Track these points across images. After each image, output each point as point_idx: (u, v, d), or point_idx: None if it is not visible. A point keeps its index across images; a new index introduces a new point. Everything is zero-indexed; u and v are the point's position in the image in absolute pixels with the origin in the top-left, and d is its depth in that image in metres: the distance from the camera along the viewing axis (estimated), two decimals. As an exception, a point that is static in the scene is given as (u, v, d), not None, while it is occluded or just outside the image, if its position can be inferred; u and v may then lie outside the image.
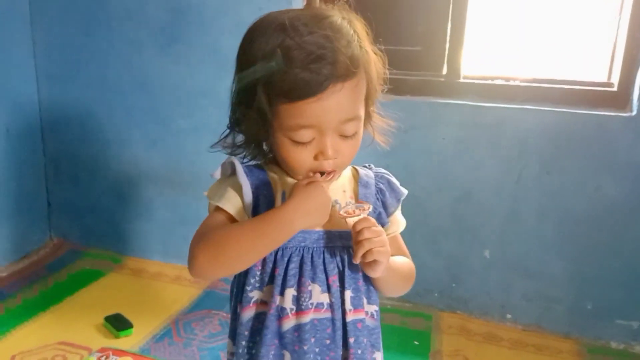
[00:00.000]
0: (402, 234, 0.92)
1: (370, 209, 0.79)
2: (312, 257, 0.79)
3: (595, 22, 1.86)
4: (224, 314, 1.86)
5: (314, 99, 0.72)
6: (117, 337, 1.70)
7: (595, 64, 1.86)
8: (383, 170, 0.91)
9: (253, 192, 0.80)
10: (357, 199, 0.84)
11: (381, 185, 0.88)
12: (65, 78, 2.20)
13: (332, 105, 0.73)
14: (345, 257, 0.81)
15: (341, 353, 0.81)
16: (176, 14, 2.01)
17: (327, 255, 0.80)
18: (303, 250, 0.80)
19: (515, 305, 1.88)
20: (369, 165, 0.92)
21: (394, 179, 0.90)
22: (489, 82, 1.86)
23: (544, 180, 1.79)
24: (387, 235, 0.81)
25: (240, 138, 0.84)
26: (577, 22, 1.88)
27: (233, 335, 0.84)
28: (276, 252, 0.79)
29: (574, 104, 1.77)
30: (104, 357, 1.60)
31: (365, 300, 0.83)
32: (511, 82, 1.85)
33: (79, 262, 2.21)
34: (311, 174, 0.78)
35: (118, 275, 2.12)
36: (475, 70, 1.89)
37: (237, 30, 2.24)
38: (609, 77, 1.79)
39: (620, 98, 1.74)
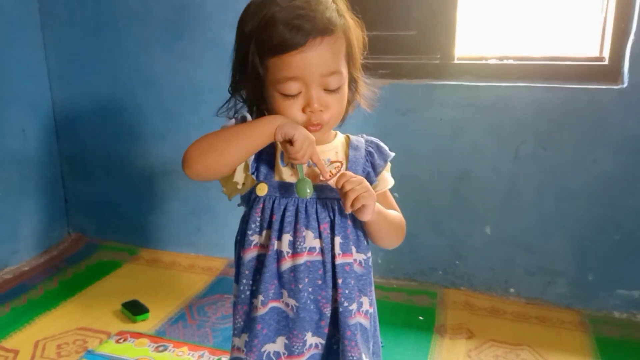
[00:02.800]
0: (405, 212, 1.02)
1: (343, 165, 0.90)
2: (306, 206, 0.89)
3: (587, -1, 1.89)
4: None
5: (297, 52, 0.82)
6: (134, 321, 1.78)
7: (587, 39, 1.89)
8: (374, 138, 1.01)
9: None
10: (347, 160, 0.94)
11: (370, 149, 0.98)
12: (77, 78, 2.29)
13: (314, 57, 0.83)
14: (336, 207, 0.91)
15: (331, 293, 0.91)
16: (179, 11, 2.08)
17: (319, 206, 0.90)
18: (298, 200, 0.90)
19: (518, 279, 1.93)
20: (362, 135, 1.01)
21: (382, 144, 1.00)
22: (483, 62, 1.91)
23: (540, 156, 1.83)
24: (376, 192, 0.91)
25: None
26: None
27: (237, 278, 0.94)
28: (273, 201, 0.90)
29: (567, 80, 1.80)
30: (122, 339, 1.68)
31: (354, 248, 0.92)
32: (505, 61, 1.89)
33: (96, 254, 2.30)
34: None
35: (134, 265, 2.21)
36: (469, 51, 1.93)
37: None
38: (601, 51, 1.82)
39: (611, 71, 1.77)
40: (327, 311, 0.91)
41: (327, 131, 0.94)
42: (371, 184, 0.94)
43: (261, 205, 0.90)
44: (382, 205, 0.95)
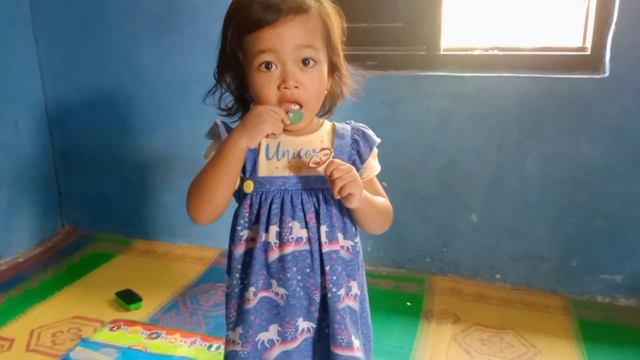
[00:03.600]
0: (393, 201, 1.05)
1: (332, 153, 0.91)
2: (291, 198, 0.93)
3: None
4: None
5: (269, 27, 0.86)
6: (127, 310, 1.82)
7: (571, 29, 1.92)
8: (361, 125, 1.03)
9: None
10: (333, 149, 0.96)
11: (356, 137, 1.00)
12: (68, 73, 2.32)
13: (286, 32, 0.86)
14: (321, 197, 0.94)
15: (320, 280, 0.94)
16: (167, 5, 2.11)
17: (304, 197, 0.93)
18: (283, 192, 0.93)
19: (504, 265, 1.97)
20: (349, 122, 1.03)
21: (369, 131, 1.02)
22: (469, 53, 1.94)
23: (524, 144, 1.87)
24: (362, 179, 0.94)
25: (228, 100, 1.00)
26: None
27: (229, 272, 0.97)
28: (260, 195, 0.93)
29: (550, 69, 1.84)
30: (116, 327, 1.71)
31: (340, 235, 0.96)
32: (489, 52, 1.93)
33: (90, 246, 2.33)
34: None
35: (127, 256, 2.25)
36: (455, 43, 1.96)
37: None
38: (584, 41, 1.86)
39: (593, 61, 1.80)
40: (317, 297, 0.94)
41: (310, 117, 0.94)
42: (358, 171, 0.95)
43: (249, 201, 0.93)
44: (369, 192, 0.97)
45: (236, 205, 0.98)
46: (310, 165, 0.90)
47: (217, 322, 1.74)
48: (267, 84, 0.88)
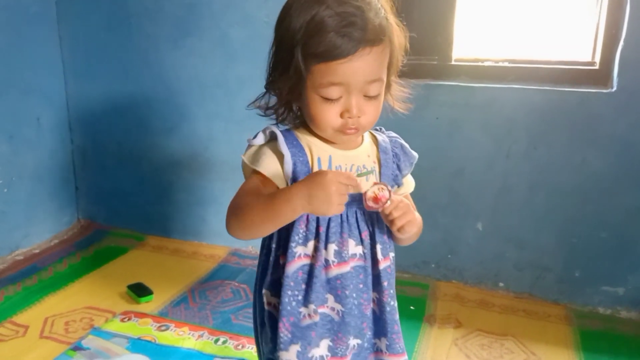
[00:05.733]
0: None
1: (389, 190, 0.88)
2: (347, 215, 0.91)
3: (582, 4, 1.96)
4: (236, 284, 2.02)
5: (346, 60, 0.82)
6: (138, 302, 1.87)
7: (581, 44, 1.95)
8: (394, 134, 1.02)
9: (292, 160, 0.89)
10: (380, 164, 0.95)
11: (396, 150, 0.99)
12: (90, 72, 2.39)
13: (361, 66, 0.83)
14: (374, 216, 0.93)
15: (372, 295, 0.95)
16: (188, 9, 2.17)
17: (359, 214, 0.92)
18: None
19: (508, 274, 2.00)
20: (380, 129, 1.03)
21: (406, 144, 1.02)
22: (479, 64, 1.98)
23: (532, 155, 1.90)
24: (400, 194, 0.95)
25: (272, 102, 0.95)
26: (566, 4, 1.99)
27: (271, 286, 0.94)
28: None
29: (559, 83, 1.88)
30: (127, 318, 1.77)
31: (389, 249, 0.97)
32: (500, 64, 1.97)
33: (104, 240, 2.40)
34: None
35: (140, 251, 2.31)
36: (466, 53, 2.01)
37: (244, 22, 2.43)
38: (593, 56, 1.89)
39: (601, 75, 1.84)
40: (368, 312, 0.94)
41: (360, 135, 0.95)
42: (397, 186, 0.97)
43: (305, 218, 0.90)
44: None
45: None
46: (369, 204, 0.88)
47: (224, 317, 1.79)
48: (327, 111, 0.86)
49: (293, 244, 0.90)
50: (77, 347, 1.60)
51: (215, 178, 2.29)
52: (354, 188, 0.85)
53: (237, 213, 0.88)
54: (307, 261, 0.90)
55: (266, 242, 0.96)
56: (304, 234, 0.90)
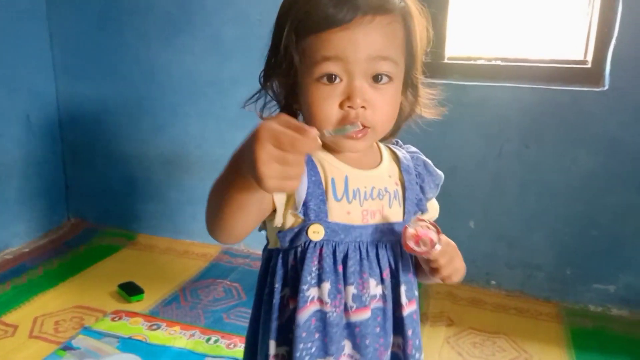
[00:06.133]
0: None
1: (439, 231, 0.74)
2: (367, 251, 0.76)
3: (574, 3, 1.96)
4: (228, 283, 2.01)
5: (340, 28, 0.67)
6: (129, 301, 1.86)
7: (574, 43, 1.96)
8: (413, 149, 0.87)
9: (306, 177, 0.73)
10: (404, 187, 0.80)
11: (419, 169, 0.84)
12: (81, 70, 2.37)
13: (361, 37, 0.68)
14: (398, 251, 0.78)
15: (391, 341, 0.80)
16: (180, 6, 2.16)
17: (380, 249, 0.77)
18: (359, 244, 0.75)
19: (499, 272, 2.00)
20: (397, 142, 0.87)
21: (429, 162, 0.87)
22: (472, 62, 1.98)
23: (523, 153, 1.91)
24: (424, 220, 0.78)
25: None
26: (558, 3, 1.99)
27: (278, 334, 0.77)
28: (334, 247, 0.74)
29: (551, 81, 1.88)
30: (117, 318, 1.76)
31: (414, 289, 0.82)
32: (492, 62, 1.97)
33: (95, 239, 2.38)
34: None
35: (131, 250, 2.29)
36: (458, 52, 2.01)
37: (238, 20, 2.42)
38: (585, 55, 1.90)
39: (593, 74, 1.84)
40: (384, 358, 0.79)
41: (372, 142, 0.77)
42: (422, 212, 0.82)
43: (318, 253, 0.74)
44: None
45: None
46: (410, 245, 0.73)
47: (216, 316, 1.78)
48: (326, 100, 0.70)
49: (305, 286, 0.73)
50: (67, 347, 1.59)
51: (207, 177, 2.28)
52: (304, 149, 0.54)
53: (207, 211, 0.70)
54: (321, 306, 0.74)
55: (267, 279, 0.79)
56: (317, 272, 0.74)
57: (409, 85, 0.79)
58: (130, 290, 1.90)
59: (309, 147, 0.54)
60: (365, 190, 0.76)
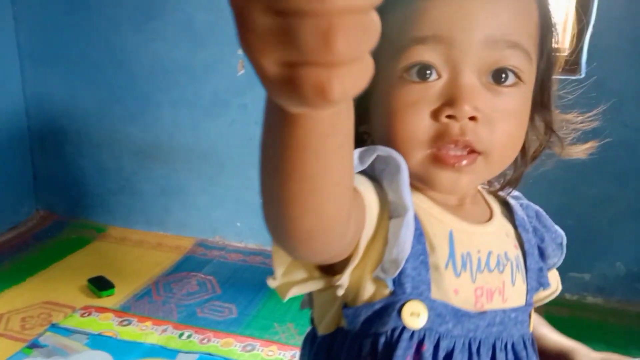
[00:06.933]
0: None
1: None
2: (478, 349, 0.49)
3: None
4: (202, 276, 1.97)
5: None
6: (99, 296, 1.81)
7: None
8: (516, 193, 0.64)
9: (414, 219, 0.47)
10: (524, 251, 0.55)
11: (533, 222, 0.61)
12: (48, 56, 2.29)
13: (475, 6, 0.44)
14: (524, 355, 0.52)
15: None
16: (150, -9, 2.09)
17: (498, 353, 0.50)
18: (470, 343, 0.49)
19: (477, 262, 2.00)
20: (498, 186, 0.62)
21: (540, 210, 0.66)
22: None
23: (501, 143, 1.89)
24: (548, 299, 0.62)
25: None
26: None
27: None
28: (436, 340, 0.47)
29: (528, 70, 1.87)
30: (87, 314, 1.71)
31: None
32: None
33: (64, 232, 2.31)
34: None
35: (102, 243, 2.23)
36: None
37: (211, 5, 2.35)
38: (562, 43, 1.89)
39: (570, 63, 1.83)
40: None
41: (482, 179, 0.53)
42: (543, 287, 0.59)
43: (414, 348, 0.47)
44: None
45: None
46: None
47: (189, 310, 1.75)
48: (413, 106, 0.46)
49: None
50: (34, 345, 1.54)
51: (180, 167, 2.23)
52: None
53: (263, 200, 0.37)
54: None
55: None
56: None
57: (538, 103, 0.54)
58: (100, 284, 1.85)
59: None
60: (480, 256, 0.50)
